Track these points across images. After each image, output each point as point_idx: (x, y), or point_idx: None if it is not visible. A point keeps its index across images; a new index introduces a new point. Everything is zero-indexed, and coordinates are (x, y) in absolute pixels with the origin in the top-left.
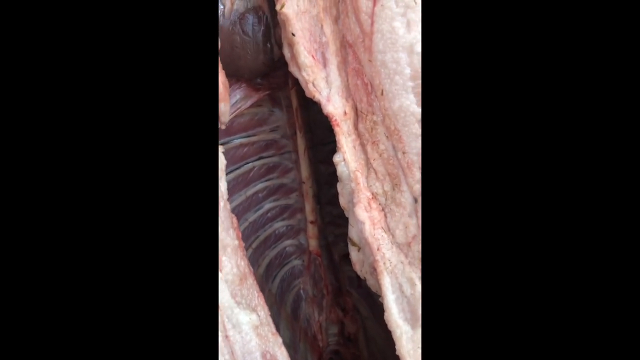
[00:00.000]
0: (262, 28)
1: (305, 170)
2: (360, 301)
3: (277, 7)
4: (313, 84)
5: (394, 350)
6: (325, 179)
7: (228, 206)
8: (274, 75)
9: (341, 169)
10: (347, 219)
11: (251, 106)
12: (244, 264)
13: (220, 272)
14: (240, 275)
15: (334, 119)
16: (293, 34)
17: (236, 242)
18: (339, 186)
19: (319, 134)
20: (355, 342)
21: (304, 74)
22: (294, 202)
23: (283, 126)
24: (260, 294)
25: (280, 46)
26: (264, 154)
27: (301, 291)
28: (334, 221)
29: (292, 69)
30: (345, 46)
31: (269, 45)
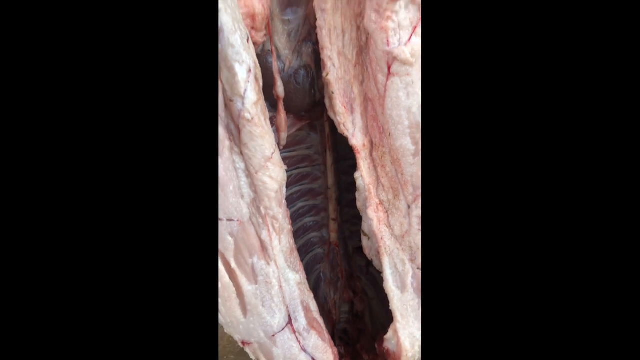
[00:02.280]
0: (309, 80)
1: (330, 179)
2: (368, 285)
3: (323, 74)
4: (344, 125)
5: (392, 321)
6: (346, 186)
7: (284, 201)
8: (314, 110)
9: (359, 183)
10: (360, 218)
11: (295, 130)
12: (292, 241)
13: (279, 244)
14: (290, 248)
15: (356, 148)
16: (332, 92)
17: (289, 226)
18: (357, 194)
19: (342, 152)
20: (362, 318)
21: (338, 118)
22: (320, 203)
23: (316, 145)
24: (301, 263)
25: (321, 92)
26: (300, 165)
27: (321, 274)
28: (351, 220)
29: (330, 113)
30: (367, 100)
31: (313, 91)
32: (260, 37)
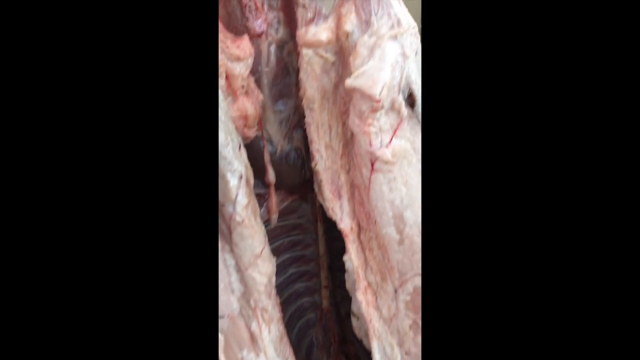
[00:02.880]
0: (300, 161)
1: (322, 248)
2: (361, 350)
3: (312, 165)
4: (332, 209)
5: None
6: (337, 252)
7: (274, 290)
8: (305, 185)
9: (348, 265)
10: None
11: (287, 203)
12: (282, 327)
13: (269, 334)
14: (280, 336)
15: (344, 232)
16: (321, 180)
17: (279, 314)
18: (346, 275)
19: (333, 221)
20: None
21: (326, 203)
22: (312, 269)
23: (308, 215)
24: (291, 349)
25: (311, 171)
26: (292, 233)
27: (314, 339)
28: (343, 285)
29: (319, 197)
30: (353, 187)
31: (303, 171)
32: (252, 132)
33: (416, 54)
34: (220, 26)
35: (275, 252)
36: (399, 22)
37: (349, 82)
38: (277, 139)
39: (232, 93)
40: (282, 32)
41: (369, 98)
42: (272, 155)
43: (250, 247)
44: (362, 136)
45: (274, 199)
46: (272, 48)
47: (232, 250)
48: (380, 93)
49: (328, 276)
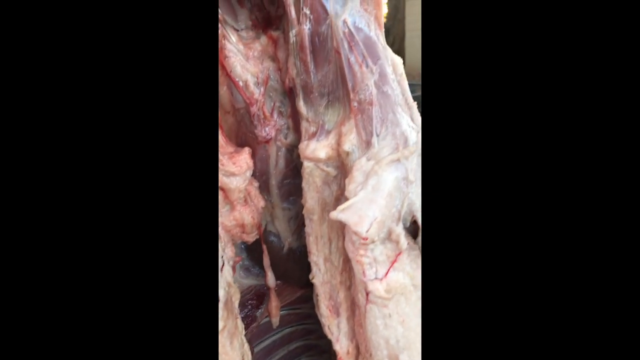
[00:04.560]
0: (304, 260)
1: None
2: None
3: (310, 277)
4: (328, 327)
5: None
6: None
7: None
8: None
9: None
10: None
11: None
12: None
13: None
14: None
15: (339, 355)
16: (318, 294)
17: None
18: None
19: None
20: None
21: (322, 320)
22: None
23: None
24: None
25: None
26: (305, 322)
27: None
28: None
29: (317, 311)
30: (354, 305)
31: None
32: (251, 237)
33: None
34: (222, 140)
35: (287, 339)
36: (405, 143)
37: (334, 214)
38: (286, 236)
39: (230, 203)
40: (291, 137)
41: (355, 234)
42: (279, 251)
43: None
44: (356, 264)
45: (273, 303)
46: (282, 151)
47: None
48: (368, 230)
49: None
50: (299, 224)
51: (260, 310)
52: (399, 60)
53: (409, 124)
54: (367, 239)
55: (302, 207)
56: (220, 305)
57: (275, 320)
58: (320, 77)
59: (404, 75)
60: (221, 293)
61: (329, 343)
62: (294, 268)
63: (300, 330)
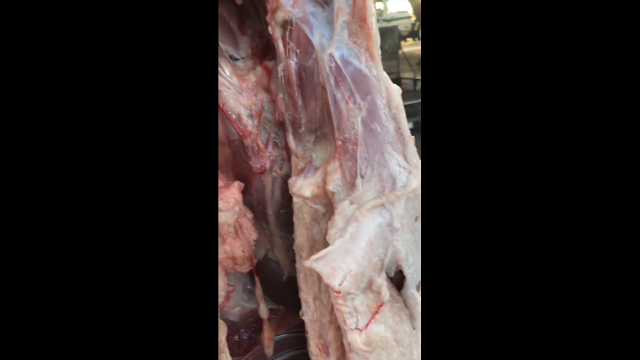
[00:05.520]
0: None
1: None
2: None
3: (300, 314)
4: None
5: None
6: None
7: None
8: None
9: None
10: None
11: None
12: None
13: None
14: None
15: None
16: (307, 332)
17: None
18: None
19: None
20: None
21: (312, 358)
22: None
23: None
24: None
25: None
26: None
27: None
28: None
29: (308, 348)
30: (344, 347)
31: None
32: (245, 269)
33: (416, 220)
34: (219, 174)
35: None
36: (393, 185)
37: (307, 263)
38: (285, 264)
39: (220, 237)
40: (286, 169)
41: (328, 287)
42: (280, 278)
43: None
44: (337, 312)
45: (266, 334)
46: (278, 182)
47: None
48: (341, 284)
49: None
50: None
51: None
52: (396, 91)
53: (401, 163)
54: (340, 292)
55: None
56: None
57: (269, 351)
58: (309, 113)
59: (402, 107)
60: None
61: None
62: (295, 296)
63: (302, 355)
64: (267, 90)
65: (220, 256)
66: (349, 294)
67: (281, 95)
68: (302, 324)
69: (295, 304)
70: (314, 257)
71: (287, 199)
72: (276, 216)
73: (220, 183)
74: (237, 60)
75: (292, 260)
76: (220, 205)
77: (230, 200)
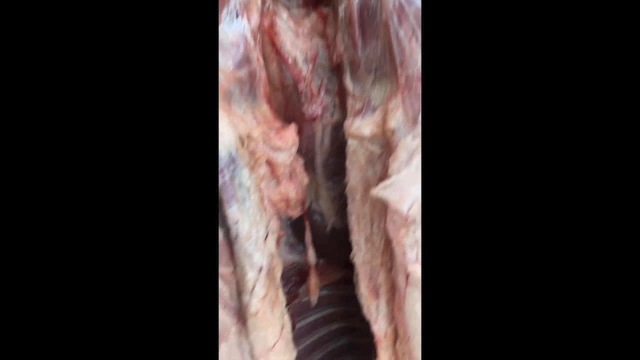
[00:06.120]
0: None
1: None
2: None
3: (350, 256)
4: (367, 308)
5: None
6: None
7: None
8: None
9: None
10: None
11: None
12: None
13: None
14: None
15: (377, 337)
16: (358, 274)
17: None
18: None
19: None
20: None
21: (362, 300)
22: (367, 343)
23: None
24: None
25: None
26: (349, 303)
27: None
28: None
29: (356, 291)
30: (394, 288)
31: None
32: (296, 212)
33: None
34: (270, 115)
35: (329, 319)
36: None
37: (374, 192)
38: (329, 215)
39: (277, 178)
40: (337, 115)
41: (395, 213)
42: (323, 229)
43: (262, 339)
44: (397, 245)
45: (313, 280)
46: (328, 130)
47: (247, 336)
48: (409, 209)
49: None
50: (342, 203)
51: (302, 287)
52: None
53: None
54: (407, 218)
55: (346, 186)
56: (263, 274)
57: (314, 298)
58: (368, 52)
59: None
60: (264, 262)
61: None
62: (336, 247)
63: (342, 312)
64: (322, 35)
65: (274, 197)
66: (414, 222)
67: (340, 36)
68: (341, 281)
69: (336, 257)
70: (381, 185)
71: (335, 147)
72: (324, 165)
73: (277, 124)
74: (289, 9)
75: (336, 211)
76: (279, 144)
77: (288, 139)
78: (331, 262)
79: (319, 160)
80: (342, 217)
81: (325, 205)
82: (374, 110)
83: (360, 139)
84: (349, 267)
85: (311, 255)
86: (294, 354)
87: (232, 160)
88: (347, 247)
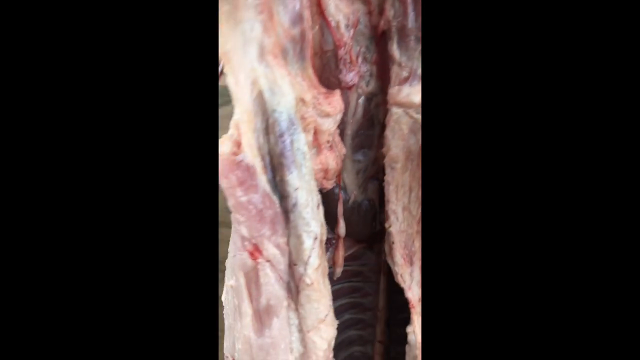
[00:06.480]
0: (372, 213)
1: (382, 301)
2: None
3: (386, 225)
4: (401, 275)
5: None
6: (397, 305)
7: (331, 354)
8: (373, 236)
9: (411, 338)
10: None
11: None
12: None
13: None
14: None
15: (411, 302)
16: (393, 242)
17: None
18: (407, 347)
19: None
20: None
21: (396, 268)
22: (368, 319)
23: (372, 264)
24: None
25: (382, 224)
26: (353, 279)
27: None
28: (398, 341)
29: (388, 259)
30: None
31: (374, 223)
32: (330, 184)
33: None
34: (315, 80)
35: (335, 295)
36: None
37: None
38: (352, 188)
39: (318, 146)
40: (372, 85)
41: None
42: (345, 203)
43: (315, 310)
44: None
45: (340, 252)
46: (361, 100)
47: (297, 310)
48: None
49: (384, 331)
50: (366, 177)
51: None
52: None
53: None
54: None
55: (372, 160)
56: (317, 243)
57: (339, 270)
58: (419, 20)
59: None
60: (318, 231)
61: (373, 301)
62: (357, 221)
63: (347, 288)
64: (364, 1)
65: (315, 167)
66: None
67: (390, 1)
68: (349, 258)
69: (355, 232)
70: None
71: (366, 119)
72: (353, 136)
73: (322, 89)
74: None
75: (360, 185)
76: (329, 109)
77: (336, 105)
78: (349, 236)
79: (349, 131)
80: (364, 192)
81: (349, 179)
82: (420, 79)
83: (408, 106)
84: (364, 242)
85: (342, 227)
86: (336, 325)
87: (292, 123)
88: (367, 221)
